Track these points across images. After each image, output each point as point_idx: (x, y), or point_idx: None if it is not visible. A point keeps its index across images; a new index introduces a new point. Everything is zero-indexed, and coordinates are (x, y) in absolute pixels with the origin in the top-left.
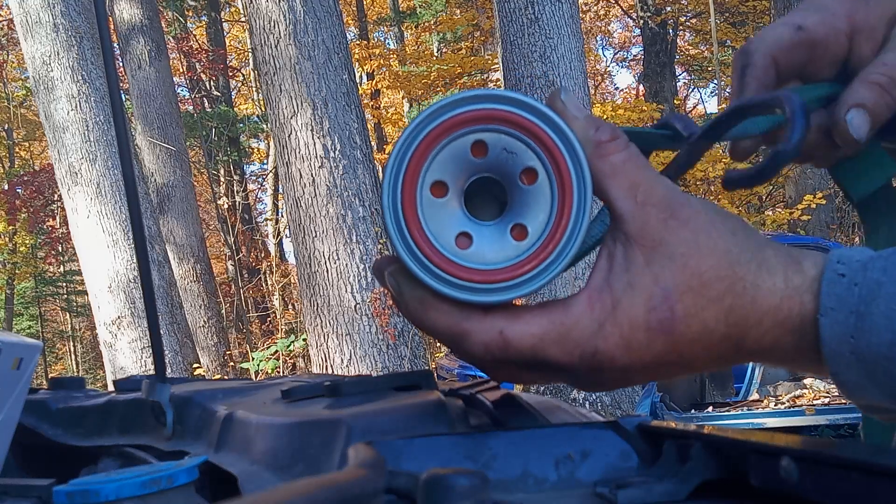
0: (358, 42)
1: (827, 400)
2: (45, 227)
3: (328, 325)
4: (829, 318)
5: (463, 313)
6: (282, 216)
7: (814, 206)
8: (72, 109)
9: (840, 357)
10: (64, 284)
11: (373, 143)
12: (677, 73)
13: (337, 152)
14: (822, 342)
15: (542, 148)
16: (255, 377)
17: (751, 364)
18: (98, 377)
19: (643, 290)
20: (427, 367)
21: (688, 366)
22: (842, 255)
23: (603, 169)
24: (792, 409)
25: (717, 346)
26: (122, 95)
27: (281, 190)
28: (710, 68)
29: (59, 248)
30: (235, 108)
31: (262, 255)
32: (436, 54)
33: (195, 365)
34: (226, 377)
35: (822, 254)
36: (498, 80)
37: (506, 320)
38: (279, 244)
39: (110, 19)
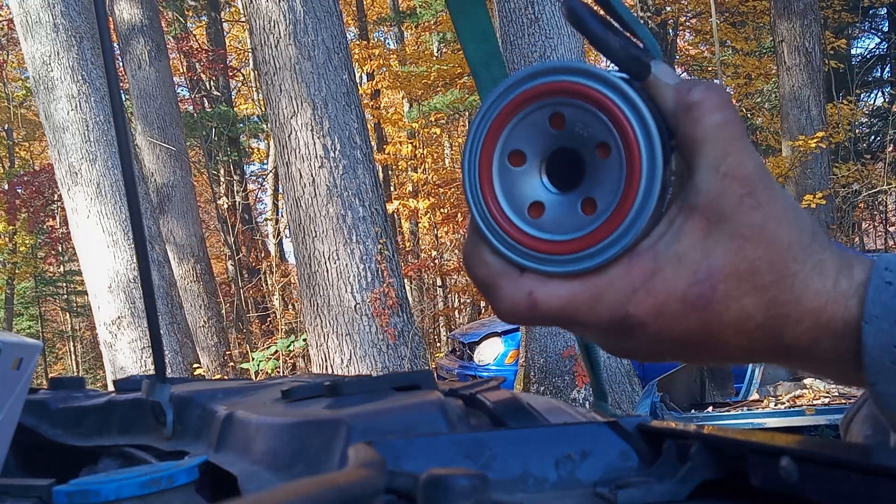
0: (358, 42)
1: (827, 400)
2: (45, 227)
3: (328, 325)
4: (874, 325)
5: (500, 269)
6: (282, 216)
7: (814, 205)
8: (72, 109)
9: (880, 366)
10: (64, 284)
11: (373, 143)
12: (678, 73)
13: (337, 152)
14: (864, 350)
15: (615, 124)
16: (255, 377)
17: (751, 364)
18: (98, 377)
19: (691, 262)
20: (427, 367)
21: (719, 350)
22: (889, 262)
23: (693, 134)
24: (792, 409)
25: (751, 334)
26: (122, 95)
27: (281, 190)
28: (710, 68)
29: (59, 248)
30: (235, 108)
31: (262, 255)
32: (436, 54)
33: (195, 365)
34: (226, 377)
35: (871, 260)
36: None
37: (536, 283)
38: (279, 244)
39: (110, 19)
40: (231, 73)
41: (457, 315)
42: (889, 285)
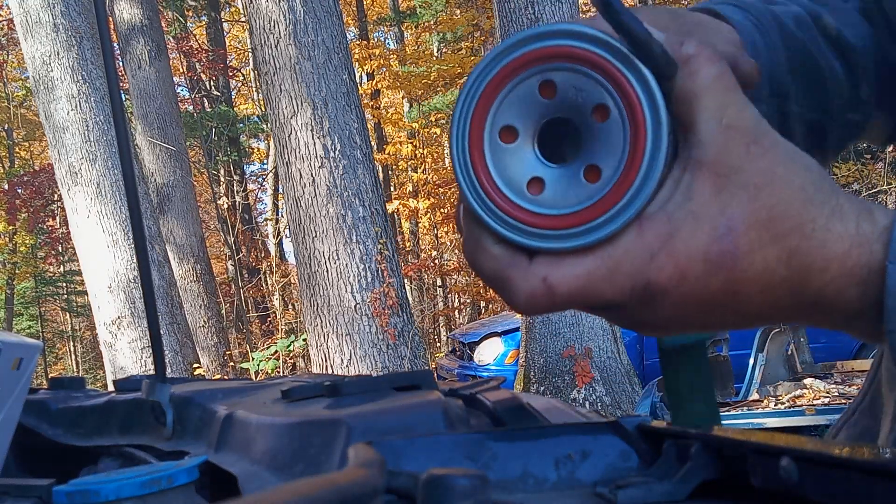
0: (358, 42)
1: (827, 400)
2: (45, 227)
3: (328, 325)
4: None
5: (508, 260)
6: (282, 216)
7: None
8: (72, 109)
9: None
10: (64, 284)
11: (373, 143)
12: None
13: (337, 152)
14: (887, 291)
15: (612, 83)
16: (255, 377)
17: (751, 364)
18: (98, 377)
19: (708, 220)
20: (427, 367)
21: (743, 311)
22: None
23: (691, 88)
24: (792, 409)
25: (775, 289)
26: (122, 95)
27: (281, 190)
28: None
29: (59, 248)
30: (235, 108)
31: (262, 255)
32: (436, 54)
33: (195, 365)
34: (226, 377)
35: (891, 209)
36: None
37: (549, 266)
38: (279, 244)
39: (110, 19)
40: (231, 73)
41: (457, 315)
42: None
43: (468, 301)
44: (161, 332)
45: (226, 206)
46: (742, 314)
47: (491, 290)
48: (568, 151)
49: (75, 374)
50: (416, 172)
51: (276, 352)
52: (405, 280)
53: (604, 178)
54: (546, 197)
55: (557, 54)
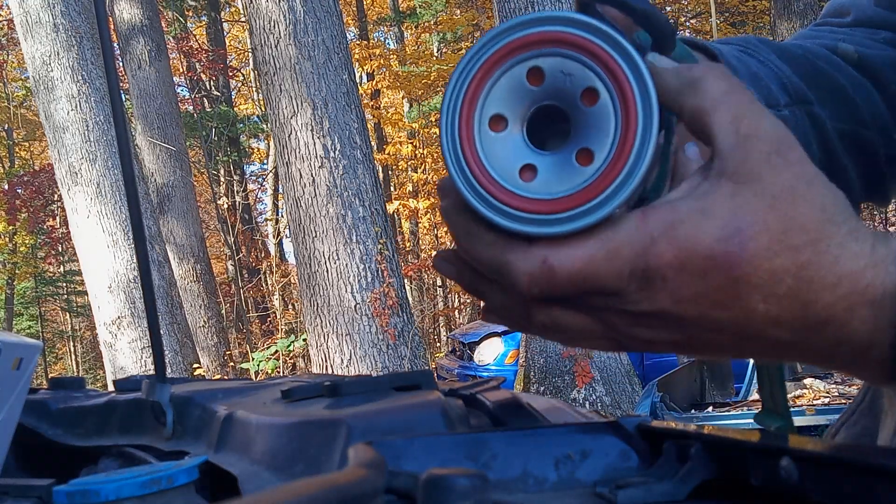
0: (358, 42)
1: (827, 400)
2: (45, 227)
3: (328, 325)
4: None
5: (505, 244)
6: (282, 216)
7: None
8: (72, 109)
9: None
10: (64, 284)
11: (373, 143)
12: None
13: (337, 152)
14: None
15: (599, 65)
16: (255, 377)
17: (751, 364)
18: (98, 377)
19: (717, 218)
20: (427, 367)
21: (743, 318)
22: None
23: (703, 105)
24: (792, 409)
25: (780, 300)
26: (122, 95)
27: (281, 190)
28: None
29: (59, 248)
30: (235, 108)
31: (262, 255)
32: (436, 54)
33: (195, 365)
34: (226, 377)
35: None
36: None
37: (549, 248)
38: (279, 244)
39: (110, 19)
40: (231, 73)
41: (457, 315)
42: None
43: (468, 301)
44: (161, 332)
45: (226, 206)
46: (742, 322)
47: None
48: (558, 138)
49: (75, 374)
50: (416, 172)
51: (276, 352)
52: (405, 280)
53: (596, 161)
54: (539, 183)
55: (543, 40)
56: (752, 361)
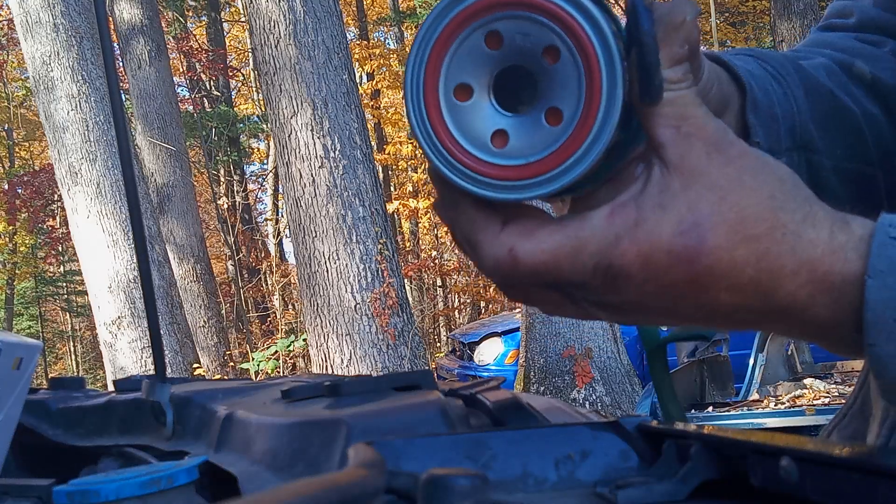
0: (358, 42)
1: (827, 400)
2: (45, 227)
3: (328, 325)
4: (878, 280)
5: (481, 223)
6: (282, 216)
7: None
8: (72, 109)
9: (882, 325)
10: (64, 284)
11: (373, 143)
12: None
13: (337, 152)
14: (867, 306)
15: (555, 21)
16: (255, 377)
17: (751, 364)
18: (98, 377)
19: (675, 213)
20: (427, 367)
21: (710, 307)
22: (894, 219)
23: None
24: (792, 409)
25: (743, 289)
26: (122, 95)
27: (281, 190)
28: None
29: (59, 248)
30: (235, 108)
31: (262, 255)
32: None
33: (195, 365)
34: (226, 377)
35: (869, 220)
36: None
37: (518, 237)
38: (279, 244)
39: (110, 19)
40: (231, 73)
41: (457, 315)
42: (894, 240)
43: (468, 301)
44: (161, 332)
45: (226, 206)
46: (709, 310)
47: (491, 290)
48: (527, 98)
49: (75, 374)
50: (416, 172)
51: (276, 352)
52: (405, 280)
53: (565, 120)
54: (512, 148)
55: (494, 3)
56: (751, 362)
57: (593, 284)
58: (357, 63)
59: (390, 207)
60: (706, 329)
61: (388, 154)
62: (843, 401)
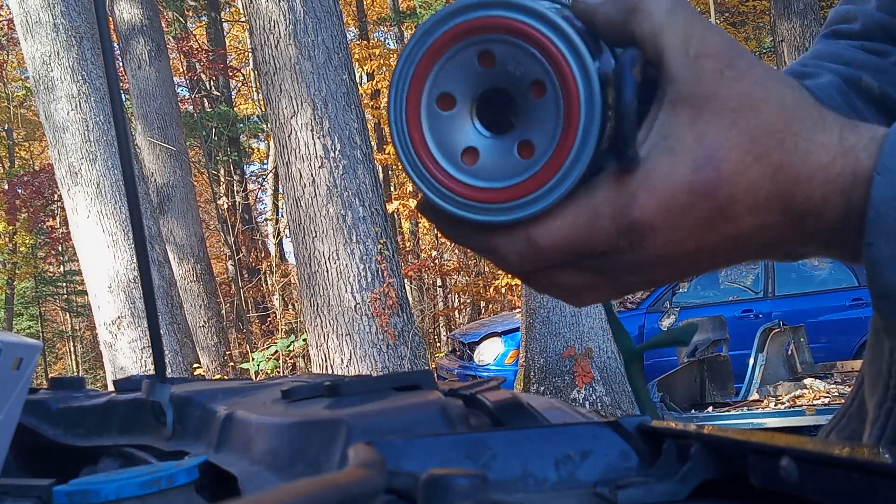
0: (358, 42)
1: (827, 400)
2: (45, 227)
3: (328, 325)
4: (886, 177)
5: (489, 229)
6: (282, 216)
7: None
8: (72, 109)
9: (884, 223)
10: (64, 284)
11: (373, 143)
12: None
13: (337, 152)
14: (870, 203)
15: (549, 61)
16: (255, 377)
17: (751, 364)
18: (98, 377)
19: (686, 151)
20: (427, 367)
21: (734, 236)
22: None
23: (650, 30)
24: (792, 409)
25: (764, 205)
26: (122, 95)
27: (281, 190)
28: None
29: (59, 248)
30: (235, 108)
31: (262, 255)
32: None
33: (195, 365)
34: (226, 377)
35: (879, 127)
36: None
37: (531, 224)
38: (279, 244)
39: (110, 19)
40: (231, 73)
41: (457, 315)
42: None
43: (468, 301)
44: (161, 332)
45: (226, 206)
46: (735, 239)
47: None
48: (507, 122)
49: (75, 374)
50: None
51: (276, 352)
52: (405, 280)
53: (536, 155)
54: (480, 167)
55: (496, 26)
56: (751, 362)
57: (621, 247)
58: (357, 63)
59: (390, 207)
60: (685, 335)
61: (388, 154)
62: (843, 401)
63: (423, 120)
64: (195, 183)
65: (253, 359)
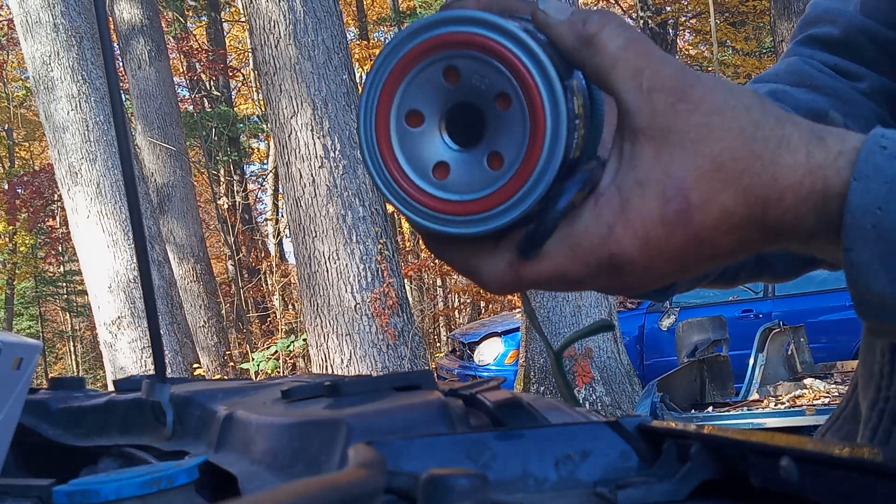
0: (358, 42)
1: (827, 400)
2: (45, 227)
3: (328, 325)
4: (862, 184)
5: (473, 249)
6: (282, 216)
7: None
8: (72, 109)
9: (860, 229)
10: (64, 284)
11: None
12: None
13: (337, 152)
14: (847, 208)
15: (512, 72)
16: (255, 377)
17: (751, 364)
18: (98, 377)
19: (654, 184)
20: (427, 367)
21: (714, 254)
22: (885, 132)
23: (602, 63)
24: (792, 409)
25: (739, 228)
26: (122, 95)
27: (281, 190)
28: (710, 68)
29: (59, 248)
30: (235, 108)
31: (262, 255)
32: None
33: (195, 365)
34: (226, 377)
35: (848, 131)
36: None
37: (516, 251)
38: (279, 244)
39: (110, 19)
40: (231, 73)
41: (457, 315)
42: (884, 149)
43: (468, 301)
44: (161, 332)
45: (226, 206)
46: (715, 255)
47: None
48: (476, 135)
49: (75, 374)
50: None
51: (276, 352)
52: (405, 280)
53: (505, 166)
54: (451, 181)
55: (459, 41)
56: (751, 362)
57: (600, 276)
58: (357, 63)
59: (390, 207)
60: (609, 322)
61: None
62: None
63: (392, 138)
64: (195, 183)
65: (253, 359)
